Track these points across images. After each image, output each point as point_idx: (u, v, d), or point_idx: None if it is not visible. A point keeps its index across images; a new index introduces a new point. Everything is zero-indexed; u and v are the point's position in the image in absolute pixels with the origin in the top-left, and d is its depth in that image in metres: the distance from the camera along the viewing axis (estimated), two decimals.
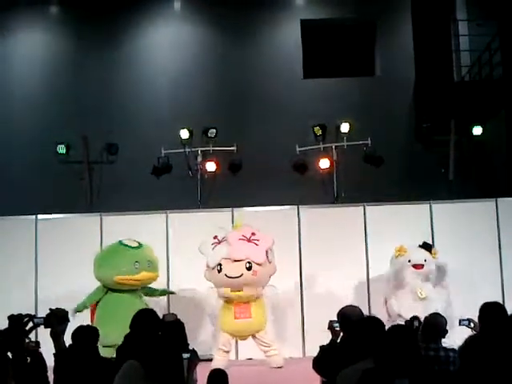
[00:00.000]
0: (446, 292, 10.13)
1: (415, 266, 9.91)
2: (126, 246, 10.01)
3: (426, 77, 15.45)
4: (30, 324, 5.70)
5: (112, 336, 7.98)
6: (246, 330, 9.75)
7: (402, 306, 9.69)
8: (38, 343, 5.83)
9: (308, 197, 12.32)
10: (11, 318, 5.66)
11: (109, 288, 9.92)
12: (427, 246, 10.07)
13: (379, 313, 9.90)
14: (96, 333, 5.65)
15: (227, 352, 9.81)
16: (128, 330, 5.38)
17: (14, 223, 11.42)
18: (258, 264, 9.50)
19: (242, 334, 9.86)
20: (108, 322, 9.28)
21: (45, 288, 10.99)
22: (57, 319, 5.50)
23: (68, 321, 5.58)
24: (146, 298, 10.22)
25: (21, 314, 5.66)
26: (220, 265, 9.58)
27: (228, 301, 9.75)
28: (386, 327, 4.53)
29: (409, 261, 9.90)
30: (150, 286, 10.29)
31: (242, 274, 9.48)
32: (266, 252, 9.58)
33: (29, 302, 10.83)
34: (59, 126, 15.31)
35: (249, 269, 9.48)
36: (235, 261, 9.49)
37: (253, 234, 9.65)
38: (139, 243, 10.12)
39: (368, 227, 11.22)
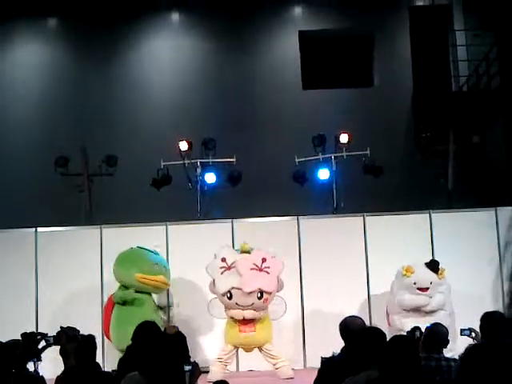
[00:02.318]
0: (450, 304, 10.05)
1: (420, 289, 9.85)
2: (147, 249, 10.43)
3: (424, 87, 15.48)
4: (43, 343, 5.65)
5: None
6: (250, 343, 9.73)
7: (405, 324, 9.60)
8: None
9: (308, 207, 12.32)
10: (24, 335, 5.60)
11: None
12: (434, 266, 9.92)
13: (380, 323, 9.90)
14: (93, 344, 5.61)
15: (226, 364, 9.77)
16: None
17: (14, 236, 11.41)
18: (268, 293, 9.52)
19: (247, 347, 9.84)
20: (125, 324, 9.48)
21: (45, 301, 10.96)
22: (66, 337, 5.44)
23: (78, 339, 5.51)
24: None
25: (33, 332, 5.61)
26: (230, 292, 9.55)
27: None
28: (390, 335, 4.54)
29: (414, 283, 9.83)
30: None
31: (253, 303, 9.50)
32: (277, 278, 9.60)
33: (29, 314, 10.80)
34: (58, 139, 15.34)
35: (260, 298, 9.50)
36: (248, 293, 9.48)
37: (263, 260, 9.57)
38: (155, 251, 10.52)
39: (368, 237, 11.21)
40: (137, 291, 10.09)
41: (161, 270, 10.26)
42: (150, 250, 10.40)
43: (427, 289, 9.77)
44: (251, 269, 9.52)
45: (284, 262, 9.85)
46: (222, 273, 9.60)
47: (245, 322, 9.61)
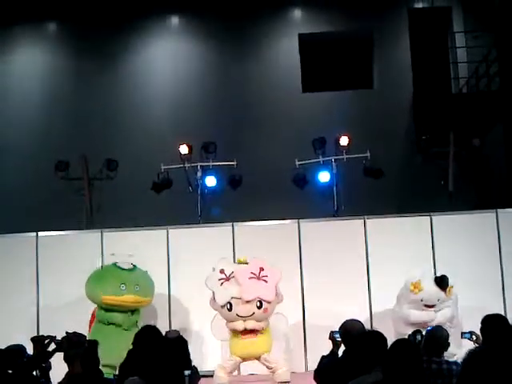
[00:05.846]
0: (456, 317, 10.00)
1: (427, 306, 9.82)
2: (118, 267, 10.04)
3: (424, 89, 15.52)
4: (52, 345, 5.61)
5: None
6: (252, 350, 9.51)
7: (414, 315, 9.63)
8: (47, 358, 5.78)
9: (308, 210, 12.31)
10: (34, 339, 5.56)
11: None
12: (442, 283, 9.85)
13: (381, 327, 9.89)
14: (97, 350, 5.60)
15: (230, 372, 9.64)
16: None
17: (15, 241, 11.39)
18: (268, 302, 9.51)
19: (249, 355, 9.61)
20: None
21: (46, 305, 10.95)
22: (69, 343, 5.35)
23: (83, 346, 5.41)
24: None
25: (42, 336, 5.56)
26: (230, 303, 9.47)
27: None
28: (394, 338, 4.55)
29: (421, 299, 9.79)
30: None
31: (253, 313, 9.40)
32: (276, 287, 9.57)
33: (30, 319, 10.79)
34: (59, 143, 15.36)
35: (259, 307, 9.44)
36: (246, 302, 9.40)
37: (261, 269, 9.48)
38: (134, 266, 10.11)
39: (368, 240, 11.20)
40: (110, 310, 9.84)
41: (129, 290, 9.79)
42: (121, 268, 9.99)
43: (433, 306, 9.74)
44: (250, 278, 9.50)
45: (284, 265, 9.83)
46: (221, 284, 9.56)
47: (247, 332, 9.54)
